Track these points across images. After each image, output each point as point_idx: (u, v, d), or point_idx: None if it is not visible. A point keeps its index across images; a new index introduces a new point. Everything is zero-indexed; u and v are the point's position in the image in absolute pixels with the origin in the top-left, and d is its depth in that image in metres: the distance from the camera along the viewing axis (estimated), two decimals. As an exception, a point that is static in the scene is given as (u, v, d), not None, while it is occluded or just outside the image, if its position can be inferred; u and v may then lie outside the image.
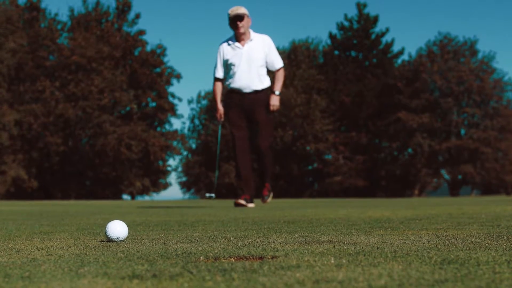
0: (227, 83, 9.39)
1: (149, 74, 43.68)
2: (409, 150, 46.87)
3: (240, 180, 9.21)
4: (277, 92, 9.35)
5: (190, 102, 49.78)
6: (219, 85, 9.42)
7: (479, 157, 44.58)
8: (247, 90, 9.24)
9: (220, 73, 9.39)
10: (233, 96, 9.30)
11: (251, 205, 8.88)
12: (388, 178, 47.06)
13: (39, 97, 40.95)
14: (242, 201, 8.82)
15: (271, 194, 9.77)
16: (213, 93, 9.55)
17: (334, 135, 45.59)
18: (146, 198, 44.90)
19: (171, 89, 47.31)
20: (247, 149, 9.28)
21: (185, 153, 49.35)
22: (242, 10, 9.20)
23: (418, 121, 44.17)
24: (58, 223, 4.36)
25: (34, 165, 41.03)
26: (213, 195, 9.82)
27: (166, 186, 46.60)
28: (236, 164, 9.30)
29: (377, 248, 2.22)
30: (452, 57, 45.72)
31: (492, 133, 44.67)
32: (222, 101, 9.46)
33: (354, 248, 2.23)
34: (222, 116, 9.33)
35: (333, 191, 44.73)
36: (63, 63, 41.57)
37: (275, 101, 9.30)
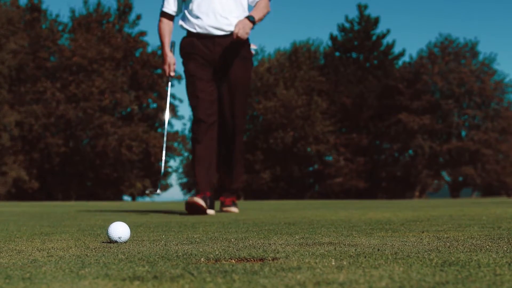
0: (186, 22, 6.39)
1: (150, 75, 43.70)
2: (410, 151, 46.89)
3: (199, 168, 6.39)
4: (251, 18, 6.19)
5: (191, 103, 49.74)
6: (168, 24, 6.48)
7: (480, 158, 44.59)
8: (218, 32, 6.29)
9: (171, 6, 6.47)
10: (194, 43, 6.35)
11: (210, 211, 6.15)
12: (388, 179, 47.07)
13: (40, 98, 40.98)
14: (199, 200, 5.93)
15: (236, 205, 6.73)
16: (158, 35, 6.50)
17: (334, 136, 45.60)
18: (147, 199, 44.94)
19: (172, 90, 47.29)
20: (215, 123, 6.37)
21: (186, 154, 49.39)
22: None
23: (419, 122, 44.18)
24: (59, 224, 4.36)
25: (35, 166, 41.05)
26: (158, 191, 6.69)
27: (166, 187, 46.63)
28: (194, 144, 6.41)
29: (378, 250, 2.22)
30: (453, 59, 45.75)
31: (493, 135, 44.69)
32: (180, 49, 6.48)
33: (355, 250, 2.23)
34: (172, 68, 6.45)
35: (334, 192, 44.74)
36: (64, 64, 41.61)
37: (242, 24, 6.09)
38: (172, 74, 6.46)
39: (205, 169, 6.38)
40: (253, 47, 6.50)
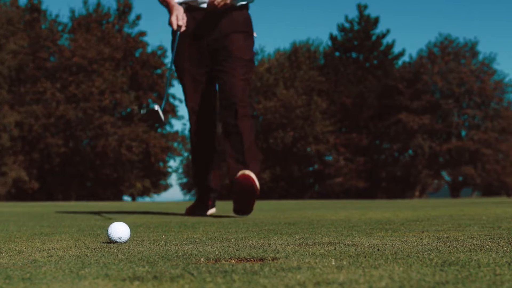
0: None
1: (150, 75, 43.71)
2: (410, 151, 46.89)
3: (196, 168, 5.83)
4: None
5: (191, 103, 49.80)
6: None
7: (480, 158, 44.60)
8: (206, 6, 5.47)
9: None
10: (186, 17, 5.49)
11: (211, 211, 5.79)
12: (388, 179, 47.07)
13: (40, 99, 40.99)
14: (200, 211, 5.75)
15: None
16: None
17: (334, 136, 45.61)
18: (147, 199, 44.95)
19: (171, 90, 47.23)
20: (212, 128, 5.71)
21: (185, 154, 49.39)
22: None
23: (419, 122, 44.18)
24: (59, 225, 4.36)
25: (35, 167, 41.05)
26: (156, 106, 5.37)
27: (166, 187, 46.65)
28: (190, 138, 5.80)
29: (378, 249, 2.22)
30: (453, 59, 45.75)
31: (493, 135, 44.69)
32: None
33: (355, 249, 2.23)
34: (182, 20, 5.38)
35: (334, 192, 44.75)
36: (64, 65, 41.62)
37: None
38: (180, 23, 5.37)
39: (204, 168, 5.72)
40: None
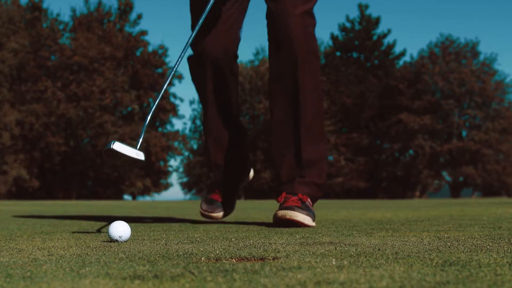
0: None
1: (150, 74, 43.72)
2: (411, 151, 46.90)
3: (211, 152, 4.10)
4: None
5: (191, 102, 49.93)
6: None
7: (481, 159, 44.61)
8: None
9: None
10: None
11: (217, 213, 4.09)
12: (389, 179, 47.07)
13: (40, 97, 41.01)
14: (214, 214, 4.05)
15: (308, 209, 3.58)
16: None
17: (335, 136, 45.62)
18: (147, 198, 44.97)
19: (172, 89, 47.28)
20: (231, 79, 3.99)
21: (186, 153, 49.42)
22: None
23: (420, 122, 44.19)
24: (59, 223, 4.36)
25: (35, 165, 41.08)
26: (114, 143, 3.44)
27: (167, 186, 46.68)
28: (204, 113, 4.11)
29: (379, 249, 2.22)
30: (454, 59, 45.77)
31: (494, 135, 44.70)
32: None
33: (356, 249, 2.22)
34: None
35: (334, 192, 44.75)
36: (65, 63, 41.64)
37: None
38: None
39: (220, 143, 4.07)
40: None
